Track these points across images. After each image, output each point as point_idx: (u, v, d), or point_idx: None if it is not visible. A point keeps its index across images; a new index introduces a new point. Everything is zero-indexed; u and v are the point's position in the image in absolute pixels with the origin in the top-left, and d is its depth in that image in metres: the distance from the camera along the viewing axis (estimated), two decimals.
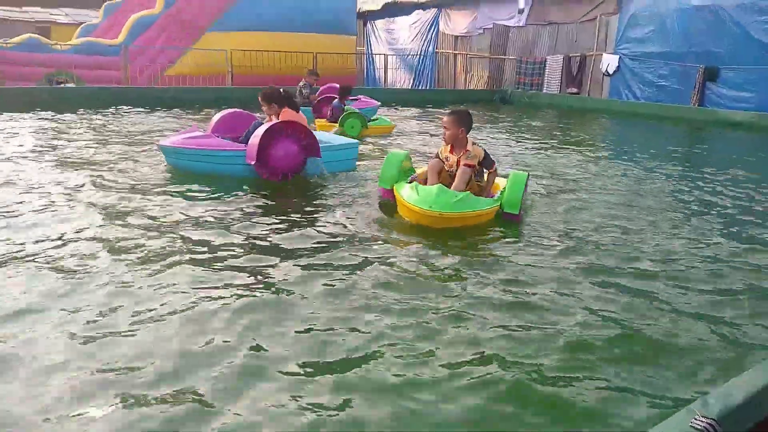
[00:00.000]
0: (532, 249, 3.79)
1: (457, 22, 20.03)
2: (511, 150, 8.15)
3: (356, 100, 10.98)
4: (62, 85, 13.83)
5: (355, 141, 6.45)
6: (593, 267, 3.49)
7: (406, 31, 21.51)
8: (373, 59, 22.18)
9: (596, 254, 3.72)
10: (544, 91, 17.06)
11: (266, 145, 5.39)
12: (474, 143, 4.55)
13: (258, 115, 6.54)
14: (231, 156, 5.58)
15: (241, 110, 6.57)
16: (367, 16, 23.08)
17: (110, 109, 11.48)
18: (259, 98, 6.05)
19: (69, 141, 7.66)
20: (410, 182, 4.44)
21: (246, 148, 5.49)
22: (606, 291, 3.12)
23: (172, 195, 4.95)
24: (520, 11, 17.79)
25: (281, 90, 6.17)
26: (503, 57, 18.66)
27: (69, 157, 6.51)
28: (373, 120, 9.15)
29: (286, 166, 5.51)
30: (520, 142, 9.03)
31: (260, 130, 5.44)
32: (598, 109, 14.87)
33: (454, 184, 4.33)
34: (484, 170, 4.61)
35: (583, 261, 3.58)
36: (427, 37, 20.62)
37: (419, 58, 20.78)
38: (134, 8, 18.50)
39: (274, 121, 5.80)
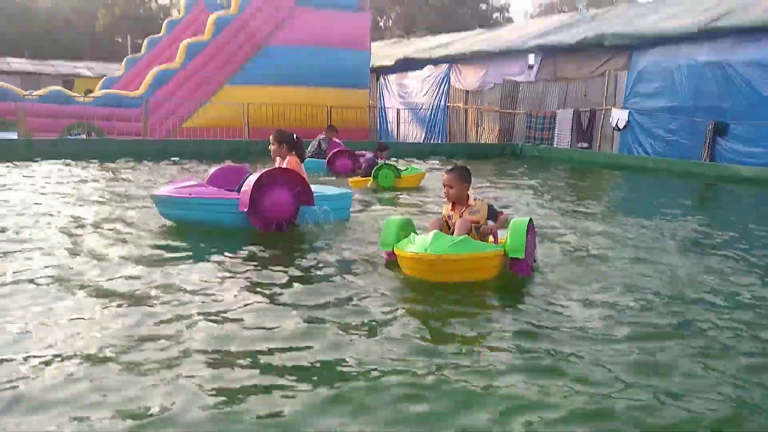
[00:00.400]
0: (550, 306, 3.71)
1: (467, 78, 20.48)
2: (520, 204, 8.19)
3: (362, 155, 11.25)
4: (81, 136, 14.22)
5: (349, 191, 6.44)
6: (612, 323, 3.45)
7: (418, 86, 22.00)
8: (385, 113, 22.62)
9: (616, 310, 3.66)
10: (555, 145, 17.25)
11: (259, 193, 5.32)
12: (476, 198, 4.46)
13: (258, 166, 6.53)
14: (223, 204, 5.49)
15: (238, 165, 6.56)
16: (381, 71, 23.68)
17: (126, 160, 11.73)
18: (271, 137, 5.98)
19: (78, 189, 7.83)
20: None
21: (239, 196, 5.43)
22: (623, 349, 3.08)
23: (158, 248, 4.89)
24: (530, 67, 18.19)
25: (295, 136, 6.10)
26: (513, 111, 18.98)
27: (76, 204, 6.66)
28: (405, 170, 9.32)
29: (279, 215, 5.44)
30: (530, 196, 9.09)
31: (252, 177, 5.39)
32: (608, 164, 14.97)
33: (454, 234, 4.17)
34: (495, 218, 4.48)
35: (600, 317, 3.54)
36: (438, 91, 21.06)
37: (431, 111, 21.18)
38: (155, 62, 19.18)
39: (269, 168, 5.75)
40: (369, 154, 11.26)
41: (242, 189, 5.41)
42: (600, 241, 5.80)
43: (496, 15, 47.00)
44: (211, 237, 5.30)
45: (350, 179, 9.54)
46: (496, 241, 4.43)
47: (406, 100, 22.42)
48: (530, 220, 4.31)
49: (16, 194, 7.33)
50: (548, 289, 4.10)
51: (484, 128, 20.07)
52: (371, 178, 9.08)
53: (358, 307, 3.63)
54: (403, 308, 3.64)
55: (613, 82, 15.99)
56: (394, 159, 12.51)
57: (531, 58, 18.07)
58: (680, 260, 5.12)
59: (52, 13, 42.91)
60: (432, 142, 20.40)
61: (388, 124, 22.14)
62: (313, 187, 5.88)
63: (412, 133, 21.87)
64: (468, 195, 4.40)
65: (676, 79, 14.27)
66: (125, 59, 21.02)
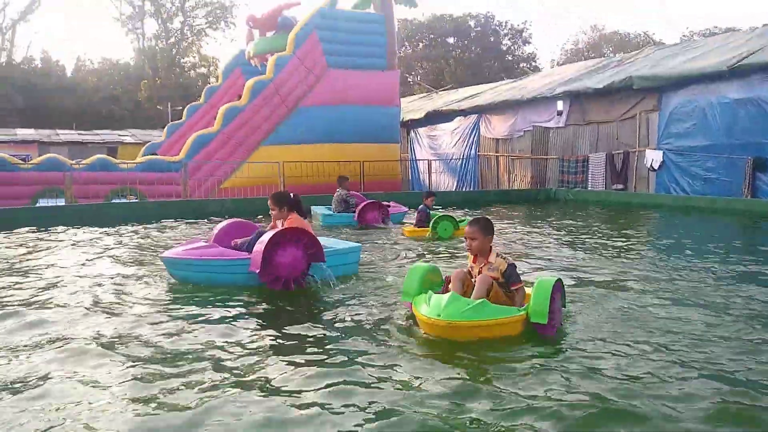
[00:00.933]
0: (572, 368, 3.36)
1: (497, 126, 20.70)
2: (553, 249, 8.09)
3: (388, 205, 11.37)
4: (124, 200, 14.79)
5: (358, 245, 6.38)
6: (642, 391, 3.07)
7: (448, 137, 22.30)
8: (417, 164, 22.92)
9: (649, 372, 3.28)
10: (589, 188, 17.14)
11: (271, 252, 5.32)
12: (498, 254, 4.29)
13: (260, 225, 6.48)
14: (232, 265, 5.52)
15: (242, 219, 6.60)
16: (410, 125, 24.14)
17: (169, 221, 12.10)
18: (270, 201, 5.92)
19: (109, 249, 8.10)
20: (429, 293, 4.15)
21: (249, 256, 5.45)
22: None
23: (167, 310, 4.82)
24: (559, 113, 18.30)
25: (291, 194, 6.07)
26: (545, 157, 19.00)
27: (105, 263, 6.87)
28: (461, 221, 9.40)
29: (289, 274, 5.42)
30: (564, 240, 8.99)
31: (265, 237, 5.38)
32: (644, 204, 14.76)
33: (473, 293, 4.04)
34: (510, 285, 4.23)
35: (631, 384, 3.16)
36: (468, 141, 21.30)
37: (462, 161, 21.37)
38: (195, 128, 20.00)
39: (279, 227, 5.73)
40: (401, 207, 11.36)
41: (254, 248, 5.42)
42: (635, 285, 5.62)
43: (522, 65, 47.64)
44: (226, 296, 5.26)
45: (406, 230, 9.68)
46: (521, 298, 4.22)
47: (437, 151, 22.71)
48: (558, 279, 4.10)
49: (54, 257, 7.64)
50: (572, 344, 3.83)
51: (516, 175, 20.10)
52: (429, 229, 9.16)
53: (379, 366, 3.48)
54: (424, 367, 3.45)
55: (645, 124, 15.93)
56: (440, 207, 12.65)
57: (560, 105, 18.21)
58: (725, 299, 4.97)
59: (98, 87, 45.39)
60: (464, 190, 20.49)
61: (420, 175, 22.37)
62: (322, 242, 5.89)
63: (443, 182, 22.03)
64: (490, 248, 4.29)
65: (709, 117, 14.14)
66: (167, 126, 21.99)
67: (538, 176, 19.25)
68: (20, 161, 15.58)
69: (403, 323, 4.31)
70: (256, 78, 17.50)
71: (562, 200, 17.14)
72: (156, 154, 18.44)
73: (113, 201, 14.64)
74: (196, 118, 21.30)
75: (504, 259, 4.27)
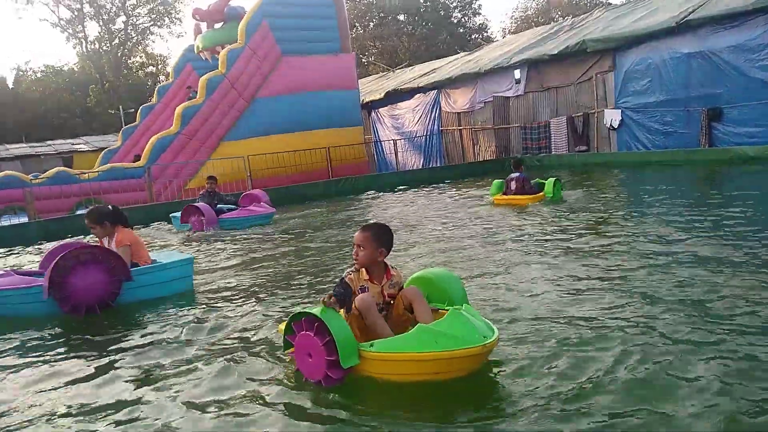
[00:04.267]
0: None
1: (457, 100, 20.78)
2: (525, 220, 8.21)
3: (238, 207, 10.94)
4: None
5: (190, 257, 5.68)
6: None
7: (409, 115, 22.30)
8: (381, 145, 22.89)
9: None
10: (553, 152, 17.41)
11: (62, 277, 4.80)
12: (392, 267, 3.46)
13: (88, 239, 5.84)
14: (24, 294, 4.93)
15: (74, 241, 6.04)
16: (371, 105, 24.04)
17: (137, 227, 11.86)
18: (86, 221, 5.38)
19: None
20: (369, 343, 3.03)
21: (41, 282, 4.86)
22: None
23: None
24: (517, 81, 18.46)
25: (110, 206, 5.54)
26: (507, 126, 19.18)
27: None
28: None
29: (89, 297, 4.86)
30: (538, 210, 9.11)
31: (53, 260, 4.83)
32: (608, 163, 15.08)
33: (422, 317, 3.16)
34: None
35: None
36: (430, 117, 21.34)
37: (426, 137, 21.42)
38: (151, 129, 19.54)
39: (105, 246, 5.22)
40: (268, 208, 10.79)
41: (46, 274, 4.86)
42: (611, 243, 5.82)
43: (474, 36, 47.73)
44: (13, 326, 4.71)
45: (497, 198, 9.51)
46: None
47: (400, 130, 22.71)
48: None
49: None
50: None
51: (480, 146, 20.26)
52: (543, 193, 9.23)
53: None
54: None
55: (601, 84, 16.20)
56: (405, 187, 12.60)
57: (517, 73, 18.36)
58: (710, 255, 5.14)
59: (44, 97, 43.82)
60: (431, 166, 20.58)
61: (386, 156, 22.37)
62: (152, 255, 5.55)
63: (410, 160, 22.08)
64: (386, 264, 3.41)
65: (663, 73, 14.45)
66: (122, 130, 21.44)
67: (502, 146, 19.44)
68: None
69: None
70: (210, 74, 17.15)
71: (529, 167, 17.35)
72: (131, 161, 17.95)
73: (78, 213, 14.25)
74: (151, 119, 20.83)
75: (397, 270, 3.48)
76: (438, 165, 20.67)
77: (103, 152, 20.89)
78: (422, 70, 25.33)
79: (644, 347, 3.14)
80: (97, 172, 16.07)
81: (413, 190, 14.48)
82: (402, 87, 23.11)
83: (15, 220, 13.35)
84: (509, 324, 3.73)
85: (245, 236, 9.18)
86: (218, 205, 10.70)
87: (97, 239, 5.59)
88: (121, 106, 36.71)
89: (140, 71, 48.52)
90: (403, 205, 11.57)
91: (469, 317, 2.99)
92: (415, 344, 2.87)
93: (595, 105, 16.40)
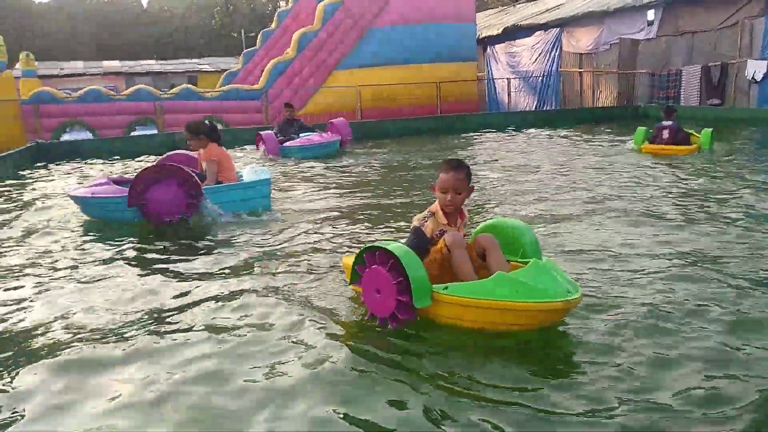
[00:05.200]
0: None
1: (580, 40, 19.57)
2: (640, 173, 7.78)
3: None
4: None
5: (267, 177, 5.94)
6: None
7: (527, 53, 21.34)
8: (494, 83, 22.21)
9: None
10: (681, 104, 16.12)
11: (142, 188, 5.33)
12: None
13: (196, 153, 6.19)
14: (116, 203, 5.51)
15: (183, 151, 6.44)
16: (487, 41, 23.21)
17: (252, 148, 12.48)
18: (185, 131, 5.86)
19: None
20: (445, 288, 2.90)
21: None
22: None
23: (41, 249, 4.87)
24: (650, 23, 17.04)
25: (207, 122, 5.97)
26: (633, 72, 17.91)
27: None
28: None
29: (164, 210, 5.35)
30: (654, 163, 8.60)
31: (139, 173, 5.39)
32: (745, 119, 13.77)
33: (494, 267, 3.02)
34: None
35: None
36: (549, 57, 20.32)
37: (542, 78, 20.50)
38: (270, 53, 20.11)
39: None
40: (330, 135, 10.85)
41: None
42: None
43: None
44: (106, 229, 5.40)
45: (670, 148, 8.92)
46: None
47: (515, 69, 21.85)
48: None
49: None
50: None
51: (601, 91, 19.14)
52: (699, 145, 8.86)
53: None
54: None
55: (748, 31, 14.59)
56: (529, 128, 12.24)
57: (650, 14, 16.91)
58: None
59: (173, 17, 46.11)
60: (545, 108, 19.79)
61: (498, 95, 21.73)
62: (241, 172, 5.98)
63: (523, 101, 21.33)
64: None
65: None
66: (243, 53, 22.23)
67: (625, 92, 18.24)
68: (113, 92, 16.32)
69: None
70: (327, 1, 17.22)
71: (653, 117, 16.24)
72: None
73: None
74: (271, 43, 21.35)
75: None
76: (553, 108, 19.83)
77: (224, 73, 21.85)
78: (546, 6, 23.94)
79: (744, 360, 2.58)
80: (219, 91, 16.92)
81: (526, 131, 14.06)
82: (522, 23, 22.04)
83: (146, 131, 14.49)
84: (604, 284, 3.48)
85: (329, 164, 9.42)
86: (299, 133, 10.92)
87: (193, 151, 6.05)
88: (242, 30, 37.91)
89: None
90: (519, 148, 11.13)
91: (550, 270, 2.84)
92: (494, 291, 2.73)
93: (738, 54, 14.86)
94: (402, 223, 5.22)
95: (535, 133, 13.71)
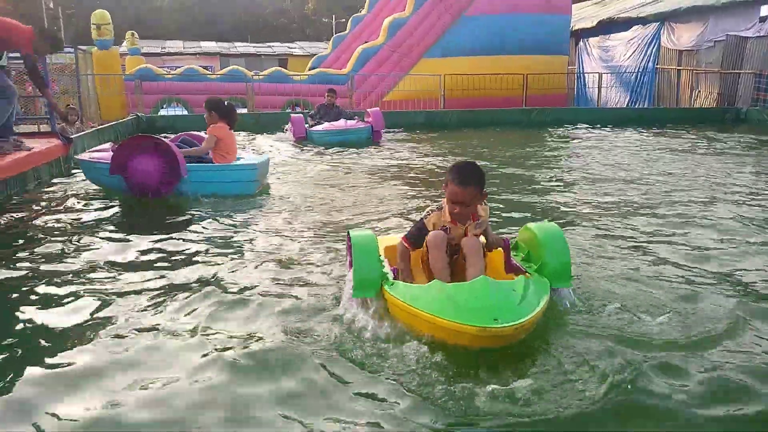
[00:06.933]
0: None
1: (681, 36, 18.54)
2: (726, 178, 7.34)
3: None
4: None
5: (252, 164, 6.04)
6: None
7: (622, 48, 20.47)
8: (584, 78, 21.48)
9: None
10: None
11: (123, 158, 5.53)
12: (482, 203, 3.08)
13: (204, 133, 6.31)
14: (103, 168, 5.77)
15: (196, 133, 6.55)
16: (580, 34, 22.44)
17: None
18: (205, 105, 6.10)
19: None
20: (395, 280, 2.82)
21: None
22: None
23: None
24: (762, 19, 15.90)
25: (226, 102, 6.18)
26: (738, 71, 16.81)
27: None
28: None
29: (145, 183, 5.53)
30: (749, 171, 8.09)
31: (122, 143, 5.69)
32: None
33: (470, 271, 2.81)
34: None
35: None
36: (646, 52, 19.39)
37: (637, 75, 19.62)
38: (359, 39, 20.39)
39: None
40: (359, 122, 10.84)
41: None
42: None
43: None
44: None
45: None
46: (507, 249, 3.09)
47: (609, 63, 21.01)
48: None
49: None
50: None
51: (700, 91, 18.10)
52: None
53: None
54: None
55: None
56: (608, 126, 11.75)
57: (764, 9, 15.77)
58: None
59: (268, 0, 47.54)
60: (638, 106, 18.96)
61: (588, 90, 21.01)
62: (242, 154, 6.21)
63: (614, 97, 20.52)
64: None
65: None
66: (332, 38, 22.65)
67: (726, 93, 17.16)
68: (208, 72, 17.13)
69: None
70: None
71: (755, 121, 15.22)
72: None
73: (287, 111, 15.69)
74: (360, 28, 21.60)
75: (483, 205, 3.09)
76: (647, 106, 18.96)
77: (314, 57, 22.37)
78: None
79: None
80: (307, 75, 17.37)
81: (617, 129, 13.54)
82: (619, 16, 21.14)
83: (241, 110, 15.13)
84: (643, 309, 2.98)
85: (357, 152, 9.47)
86: (337, 119, 10.94)
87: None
88: (333, 15, 38.56)
89: None
90: (615, 149, 10.40)
91: (495, 289, 2.45)
92: (419, 297, 2.53)
93: None
94: (393, 220, 5.07)
95: (631, 131, 13.14)
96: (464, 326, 2.30)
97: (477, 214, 3.00)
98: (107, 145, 6.56)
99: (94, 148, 6.57)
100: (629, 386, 2.25)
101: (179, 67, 17.90)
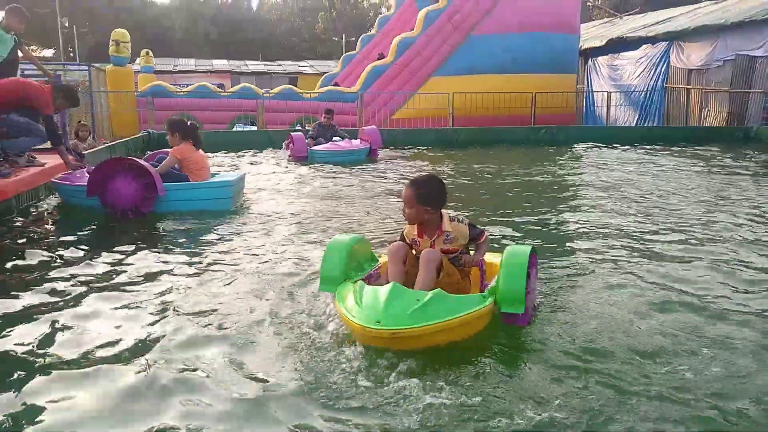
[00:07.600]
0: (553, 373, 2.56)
1: (690, 55, 18.58)
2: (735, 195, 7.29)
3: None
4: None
5: (228, 180, 6.14)
6: None
7: (631, 67, 20.52)
8: (593, 96, 21.52)
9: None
10: None
11: (99, 180, 5.57)
12: (453, 219, 3.24)
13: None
14: (81, 191, 5.81)
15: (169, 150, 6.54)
16: (589, 53, 22.54)
17: None
18: (165, 126, 6.13)
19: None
20: (358, 281, 3.04)
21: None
22: None
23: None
24: None
25: (189, 122, 6.17)
26: (747, 90, 16.79)
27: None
28: None
29: (120, 202, 5.56)
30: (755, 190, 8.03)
31: (99, 165, 5.73)
32: None
33: (418, 280, 2.99)
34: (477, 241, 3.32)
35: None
36: (655, 71, 19.44)
37: (646, 94, 19.64)
38: (369, 58, 20.58)
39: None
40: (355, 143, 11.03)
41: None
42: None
43: None
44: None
45: None
46: (482, 269, 3.34)
47: (618, 82, 21.06)
48: (532, 249, 3.09)
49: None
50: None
51: (709, 110, 18.08)
52: None
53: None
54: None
55: None
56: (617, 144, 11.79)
57: None
58: None
59: (279, 19, 48.19)
60: (647, 125, 18.93)
61: (596, 108, 21.04)
62: (224, 175, 6.35)
63: (623, 116, 20.53)
64: (442, 216, 3.22)
65: None
66: (342, 57, 22.89)
67: (736, 113, 17.12)
68: (219, 89, 17.33)
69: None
70: (429, 8, 17.39)
71: (765, 141, 15.15)
72: (337, 84, 19.35)
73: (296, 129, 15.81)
74: (370, 47, 21.83)
75: (461, 222, 3.26)
76: (655, 125, 18.94)
77: (324, 76, 22.59)
78: (655, 18, 22.94)
79: None
80: (317, 93, 17.52)
81: (625, 148, 13.50)
82: (628, 35, 21.23)
83: (246, 128, 15.27)
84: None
85: (360, 170, 9.50)
86: (333, 138, 11.18)
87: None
88: (344, 35, 38.99)
89: (365, 1, 50.69)
90: (624, 166, 10.37)
91: (397, 296, 2.66)
92: (345, 296, 2.87)
93: None
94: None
95: (641, 150, 13.10)
96: (352, 323, 2.63)
97: (442, 228, 3.20)
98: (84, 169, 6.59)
99: (64, 173, 6.52)
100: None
101: (190, 85, 18.12)
